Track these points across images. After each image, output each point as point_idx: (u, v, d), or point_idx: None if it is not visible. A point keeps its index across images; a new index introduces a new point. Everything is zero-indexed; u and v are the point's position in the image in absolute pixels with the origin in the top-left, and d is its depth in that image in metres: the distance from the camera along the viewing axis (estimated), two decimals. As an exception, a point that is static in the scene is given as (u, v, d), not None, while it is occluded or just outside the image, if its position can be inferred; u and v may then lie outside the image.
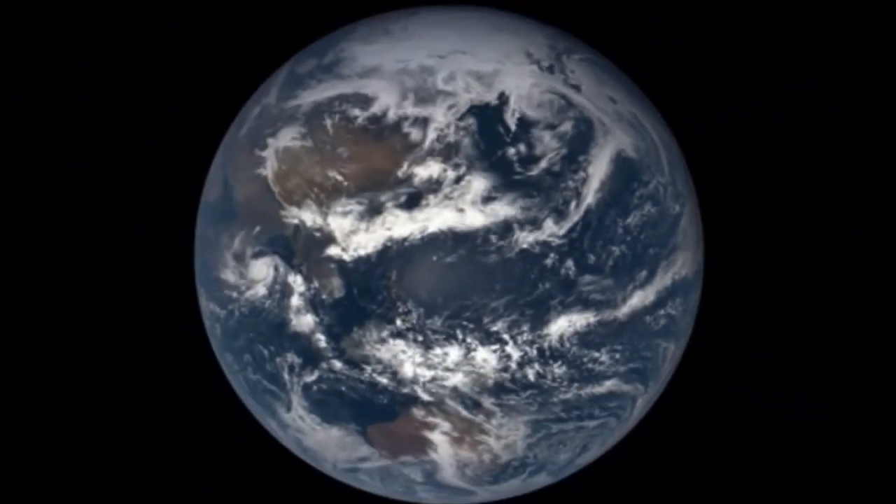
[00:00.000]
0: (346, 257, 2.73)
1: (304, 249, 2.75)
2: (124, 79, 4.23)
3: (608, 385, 3.05)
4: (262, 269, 2.83)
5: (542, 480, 3.36)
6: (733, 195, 4.28)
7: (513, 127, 2.80)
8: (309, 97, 2.86)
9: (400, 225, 2.70)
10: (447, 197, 2.71)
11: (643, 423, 4.36)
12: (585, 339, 2.90)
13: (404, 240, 2.70)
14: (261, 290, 2.84)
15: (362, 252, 2.71)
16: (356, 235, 2.71)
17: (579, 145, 2.88)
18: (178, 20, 4.25)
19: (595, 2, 4.27)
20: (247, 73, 4.34)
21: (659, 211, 3.03)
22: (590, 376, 2.98)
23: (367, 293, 2.73)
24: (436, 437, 2.96)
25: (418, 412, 2.90)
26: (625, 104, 3.08)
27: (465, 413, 2.91)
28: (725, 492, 4.26)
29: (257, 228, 2.82)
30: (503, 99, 2.84)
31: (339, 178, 2.72)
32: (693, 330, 3.66)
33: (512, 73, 2.91)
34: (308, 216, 2.74)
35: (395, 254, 2.70)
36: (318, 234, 2.73)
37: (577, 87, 2.98)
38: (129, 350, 4.26)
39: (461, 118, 2.77)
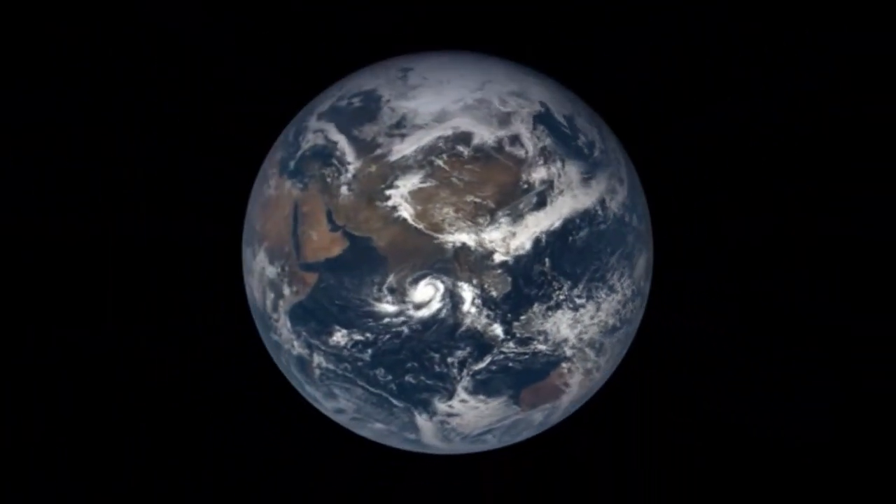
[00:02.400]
0: (508, 259, 3.31)
1: (469, 263, 3.30)
2: (124, 79, 4.23)
3: (640, 304, 3.88)
4: (427, 291, 3.31)
5: None
6: (733, 195, 4.28)
7: (565, 123, 3.54)
8: (406, 150, 3.33)
9: (541, 220, 3.35)
10: (560, 189, 3.41)
11: (643, 423, 4.37)
12: (646, 274, 3.76)
13: (547, 231, 3.36)
14: (434, 306, 3.33)
15: (521, 251, 3.31)
16: (512, 240, 3.31)
17: (597, 125, 3.68)
18: (178, 20, 4.25)
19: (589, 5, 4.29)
20: (247, 73, 4.35)
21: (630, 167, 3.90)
22: (642, 303, 3.83)
23: (529, 282, 3.35)
24: (572, 381, 3.66)
25: (564, 366, 3.58)
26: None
27: (594, 356, 3.64)
28: (725, 492, 4.26)
29: (413, 261, 3.29)
30: (544, 105, 3.53)
31: (479, 200, 3.29)
32: (693, 330, 4.30)
33: (530, 85, 3.59)
34: (464, 237, 3.28)
35: (544, 244, 3.35)
36: (480, 249, 3.29)
37: (564, 86, 3.73)
38: (129, 350, 4.27)
39: (534, 128, 3.44)
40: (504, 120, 3.42)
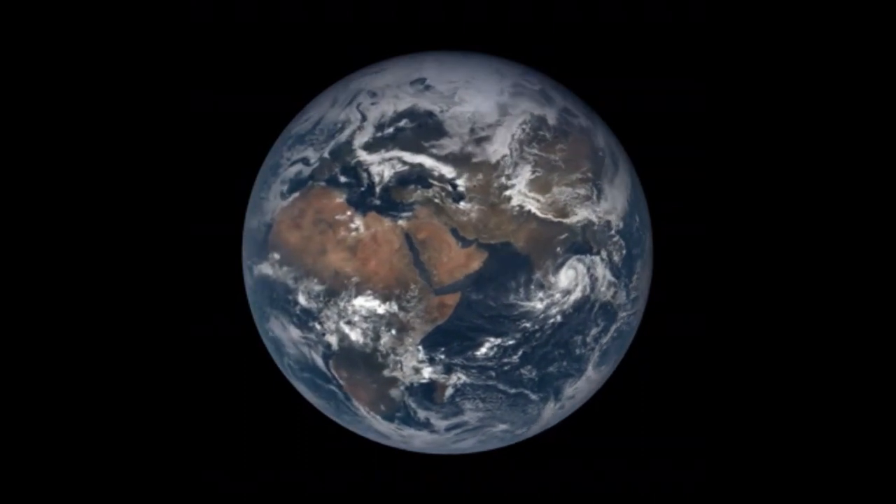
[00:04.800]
0: (621, 224, 3.52)
1: (596, 236, 3.43)
2: (124, 78, 4.24)
3: None
4: (569, 275, 3.39)
5: None
6: (734, 195, 4.28)
7: (568, 89, 3.74)
8: (500, 150, 3.35)
9: (623, 179, 3.61)
10: (616, 152, 3.67)
11: (643, 423, 4.37)
12: None
13: (629, 187, 3.63)
14: (580, 286, 3.43)
15: (624, 213, 3.54)
16: (617, 205, 3.51)
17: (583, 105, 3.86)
18: (178, 20, 4.25)
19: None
20: (247, 74, 4.36)
21: None
22: None
23: (631, 241, 3.57)
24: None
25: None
26: None
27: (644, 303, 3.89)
28: (725, 492, 4.27)
29: (552, 250, 3.35)
30: (548, 78, 3.74)
31: (581, 175, 3.43)
32: (693, 330, 4.36)
33: (532, 71, 3.74)
34: (586, 213, 3.41)
35: (631, 202, 3.61)
36: (600, 221, 3.44)
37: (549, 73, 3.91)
38: (129, 350, 4.27)
39: (564, 97, 3.63)
40: (546, 96, 3.56)
